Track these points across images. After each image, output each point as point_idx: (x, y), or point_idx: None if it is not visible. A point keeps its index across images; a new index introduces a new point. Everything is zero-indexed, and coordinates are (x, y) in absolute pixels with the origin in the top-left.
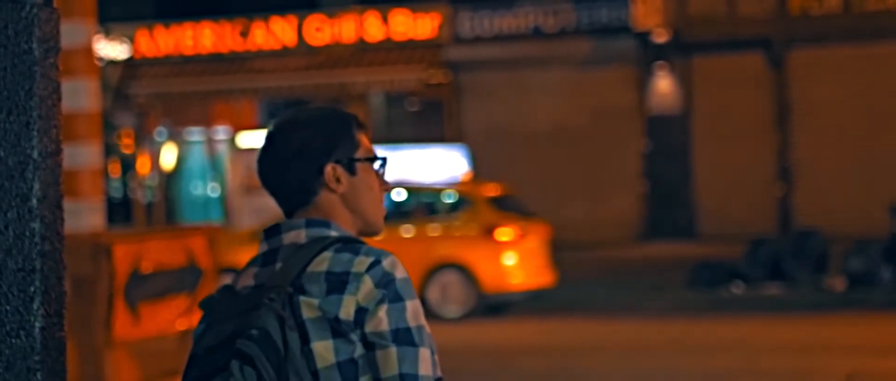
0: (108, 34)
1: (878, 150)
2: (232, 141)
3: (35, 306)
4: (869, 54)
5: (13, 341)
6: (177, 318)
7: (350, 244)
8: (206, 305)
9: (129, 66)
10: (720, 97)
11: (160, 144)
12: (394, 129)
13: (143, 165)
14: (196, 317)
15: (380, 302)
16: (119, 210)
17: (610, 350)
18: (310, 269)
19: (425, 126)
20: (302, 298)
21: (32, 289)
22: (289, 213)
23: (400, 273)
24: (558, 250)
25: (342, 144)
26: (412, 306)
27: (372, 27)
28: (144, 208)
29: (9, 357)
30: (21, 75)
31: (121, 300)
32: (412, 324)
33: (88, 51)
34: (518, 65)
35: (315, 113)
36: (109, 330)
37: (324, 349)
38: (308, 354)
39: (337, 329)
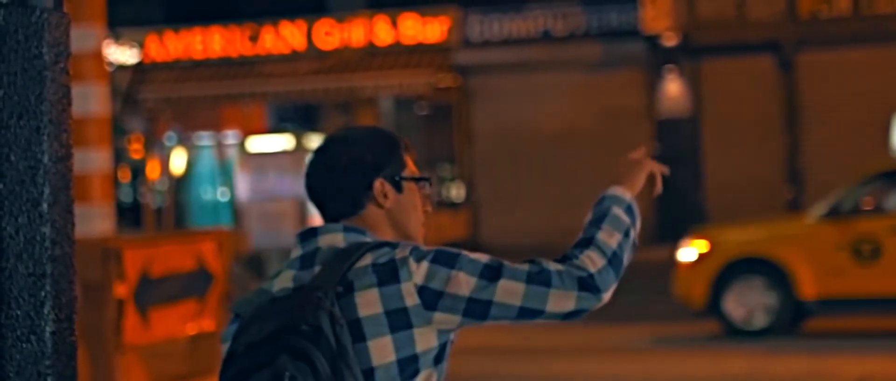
0: (117, 39)
1: (887, 152)
2: (241, 145)
3: (46, 311)
4: (878, 57)
5: (24, 345)
6: (187, 322)
7: (388, 243)
8: (240, 305)
9: (139, 70)
10: (729, 100)
11: (170, 149)
12: (402, 133)
13: (152, 170)
14: (206, 321)
15: (445, 274)
16: (129, 215)
17: (619, 353)
18: (356, 267)
19: (435, 130)
20: (356, 293)
21: (43, 293)
22: (331, 222)
23: (436, 247)
24: None
25: (391, 163)
26: (465, 253)
27: (381, 31)
28: (154, 213)
29: (20, 362)
30: (31, 80)
31: (131, 305)
32: (484, 260)
33: (98, 55)
34: (527, 68)
35: (367, 131)
36: (120, 335)
37: (381, 346)
38: (361, 351)
39: (397, 322)
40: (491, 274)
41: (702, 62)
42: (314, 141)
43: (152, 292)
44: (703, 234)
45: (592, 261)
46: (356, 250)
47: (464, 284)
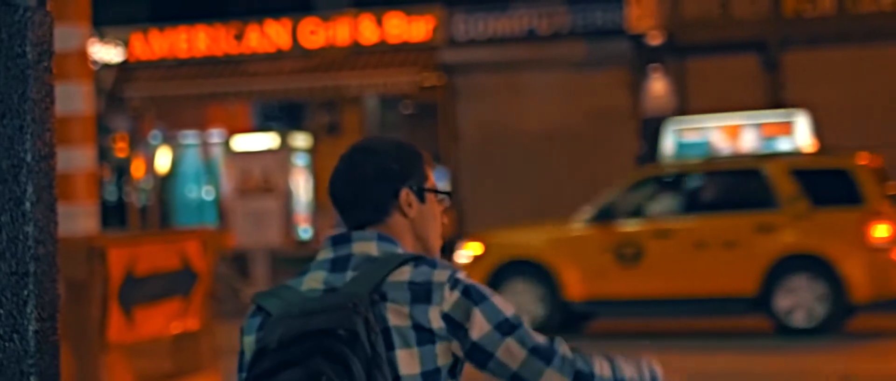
0: (102, 37)
1: (873, 152)
2: (227, 144)
3: (29, 310)
4: (863, 56)
5: (7, 344)
6: (171, 321)
7: (426, 260)
8: (263, 298)
9: (124, 69)
10: (714, 99)
11: (155, 148)
12: (388, 131)
13: (137, 169)
14: (191, 320)
15: (469, 309)
16: (114, 214)
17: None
18: (390, 279)
19: (420, 129)
20: (388, 304)
21: (26, 293)
22: (355, 228)
23: (473, 281)
24: None
25: (415, 174)
26: (498, 300)
27: (366, 30)
28: (139, 212)
29: (2, 361)
30: (14, 79)
31: (115, 304)
32: (508, 314)
33: (82, 54)
34: (512, 67)
35: (392, 142)
36: (104, 333)
37: (408, 357)
38: (390, 359)
39: (423, 338)
40: (505, 328)
41: (687, 61)
42: (299, 140)
43: (137, 291)
44: (479, 236)
45: (602, 369)
46: (391, 261)
47: (477, 327)
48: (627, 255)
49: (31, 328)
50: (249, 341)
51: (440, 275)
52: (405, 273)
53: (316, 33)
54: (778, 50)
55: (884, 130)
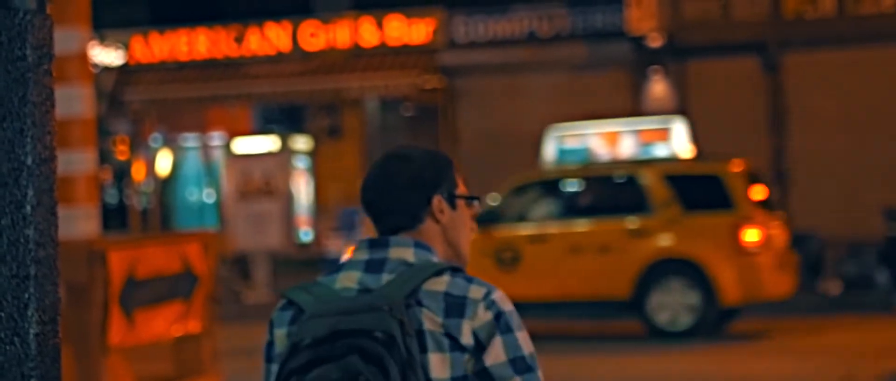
0: (102, 40)
1: (873, 154)
2: (227, 147)
3: (29, 313)
4: (864, 58)
5: (7, 348)
6: (172, 324)
7: (463, 273)
8: (295, 293)
9: (124, 72)
10: (715, 101)
11: (155, 151)
12: (388, 134)
13: (138, 172)
14: (192, 323)
15: (493, 334)
16: (114, 217)
17: (599, 352)
18: (426, 287)
19: (420, 131)
20: (423, 310)
21: (27, 296)
22: (389, 234)
23: (508, 306)
24: None
25: (446, 181)
26: (523, 336)
27: (367, 33)
28: (140, 215)
29: (3, 364)
30: (14, 82)
31: (116, 307)
32: (526, 352)
33: (83, 57)
34: (513, 70)
35: (424, 150)
36: (105, 336)
37: (440, 362)
38: (423, 363)
39: (454, 346)
40: (519, 366)
41: (687, 63)
42: (300, 142)
43: (138, 294)
44: None
45: None
46: (428, 268)
47: (493, 354)
48: (506, 259)
49: (31, 331)
50: (281, 334)
51: (476, 292)
52: (442, 283)
53: (316, 36)
54: (778, 51)
55: (885, 129)
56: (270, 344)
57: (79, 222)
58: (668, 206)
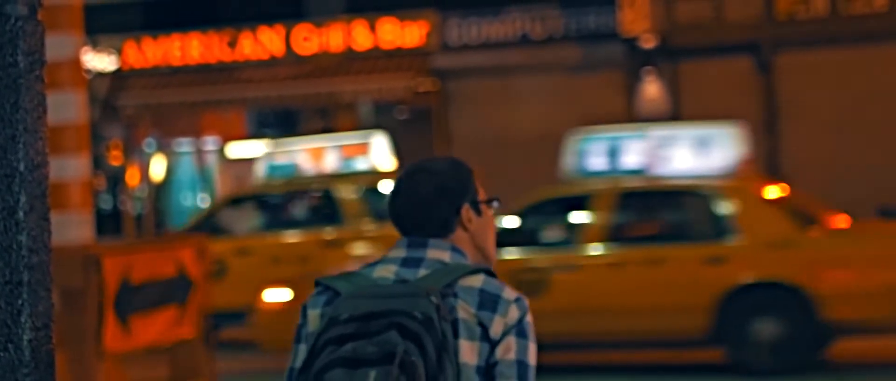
0: (95, 46)
1: (866, 153)
2: (221, 151)
3: (23, 319)
4: (857, 58)
5: (1, 354)
6: (167, 329)
7: (496, 277)
8: (330, 280)
9: (117, 77)
10: (708, 102)
11: (149, 156)
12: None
13: (132, 177)
14: (186, 328)
15: (510, 333)
16: (108, 222)
17: (596, 356)
18: (462, 282)
19: (414, 134)
20: (459, 301)
21: (20, 302)
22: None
23: (530, 317)
24: None
25: (470, 189)
26: (533, 347)
27: (360, 36)
28: (134, 220)
29: None
30: (6, 88)
31: (111, 312)
32: (531, 362)
33: (75, 63)
34: (506, 72)
35: (447, 161)
36: (100, 342)
37: (470, 348)
38: (455, 347)
39: (483, 336)
40: (522, 372)
41: (680, 64)
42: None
43: (132, 299)
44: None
45: None
46: (464, 267)
47: (502, 350)
48: (212, 271)
49: (25, 337)
50: (314, 314)
51: (509, 293)
52: (477, 281)
53: (309, 40)
54: (771, 52)
55: (879, 129)
56: (301, 327)
57: (73, 228)
58: (360, 217)
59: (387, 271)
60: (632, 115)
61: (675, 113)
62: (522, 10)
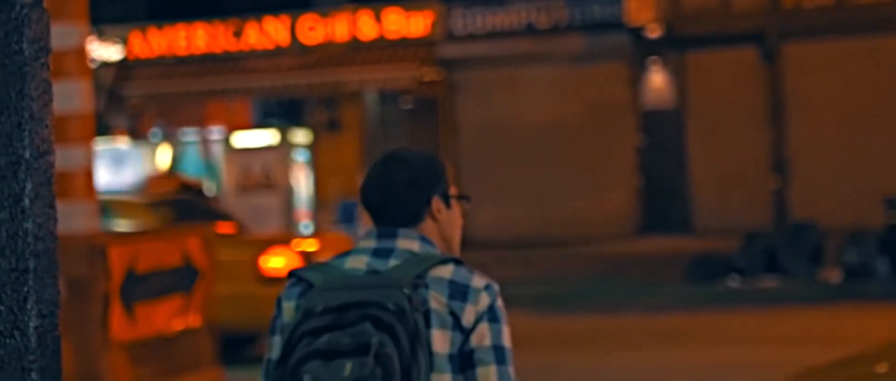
0: (101, 36)
1: (872, 142)
2: (227, 141)
3: (29, 307)
4: (862, 47)
5: (7, 341)
6: (173, 318)
7: (465, 265)
8: (304, 271)
9: (123, 67)
10: (714, 91)
11: (155, 145)
12: (388, 127)
13: None
14: (192, 317)
15: (483, 319)
16: None
17: (605, 345)
18: (433, 273)
19: (419, 124)
20: (430, 291)
21: (26, 289)
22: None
23: (501, 301)
24: (554, 246)
25: (442, 182)
26: (507, 330)
27: (365, 26)
28: None
29: (3, 358)
30: (12, 76)
31: (117, 301)
32: (507, 345)
33: (81, 52)
34: (511, 62)
35: (420, 153)
36: (106, 331)
37: (442, 338)
38: (427, 337)
39: (455, 325)
40: (499, 355)
41: (686, 54)
42: (299, 136)
43: (138, 288)
44: None
45: None
46: (434, 258)
47: (477, 337)
48: None
49: (31, 324)
50: (289, 306)
51: (478, 282)
52: (447, 271)
53: (314, 30)
54: (777, 41)
55: (885, 118)
56: (276, 318)
57: (79, 218)
58: None
59: (358, 262)
60: (637, 104)
61: (681, 102)
62: (527, 0)
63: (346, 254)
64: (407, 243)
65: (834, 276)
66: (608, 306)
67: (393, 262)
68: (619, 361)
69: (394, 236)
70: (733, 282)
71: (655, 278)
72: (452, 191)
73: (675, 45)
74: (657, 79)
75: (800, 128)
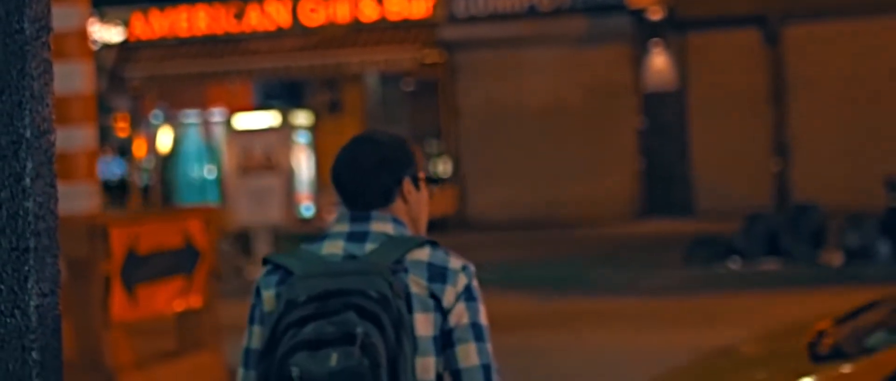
0: (102, 17)
1: (873, 124)
2: (228, 123)
3: (29, 286)
4: (864, 29)
5: (8, 320)
6: (174, 299)
7: (440, 246)
8: (279, 258)
9: (125, 49)
10: (716, 74)
11: (156, 127)
12: (389, 108)
13: (139, 149)
14: (193, 298)
15: (460, 299)
16: (116, 193)
17: (606, 326)
18: (410, 256)
19: (421, 106)
20: (409, 275)
21: (27, 268)
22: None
23: (476, 281)
24: (555, 228)
25: (412, 164)
26: (483, 308)
27: (367, 7)
28: (141, 191)
29: (4, 336)
30: (13, 55)
31: (118, 282)
32: (484, 322)
33: (82, 34)
34: (513, 44)
35: (391, 135)
36: (107, 312)
37: (424, 321)
38: (411, 323)
39: (437, 306)
40: (477, 332)
41: (688, 36)
42: (301, 118)
43: (139, 270)
44: None
45: None
46: (410, 241)
47: (456, 316)
48: None
49: (32, 303)
50: (269, 295)
51: (455, 263)
52: (424, 254)
53: (316, 11)
54: (778, 23)
55: (886, 100)
56: (255, 307)
57: (80, 199)
58: None
59: (334, 248)
60: (639, 86)
61: (682, 85)
62: None
63: (321, 238)
64: (380, 225)
65: (835, 258)
66: (609, 288)
67: (369, 246)
68: (620, 342)
69: (367, 219)
70: (734, 264)
71: (656, 260)
72: (421, 174)
73: (677, 27)
74: (659, 61)
75: (801, 110)
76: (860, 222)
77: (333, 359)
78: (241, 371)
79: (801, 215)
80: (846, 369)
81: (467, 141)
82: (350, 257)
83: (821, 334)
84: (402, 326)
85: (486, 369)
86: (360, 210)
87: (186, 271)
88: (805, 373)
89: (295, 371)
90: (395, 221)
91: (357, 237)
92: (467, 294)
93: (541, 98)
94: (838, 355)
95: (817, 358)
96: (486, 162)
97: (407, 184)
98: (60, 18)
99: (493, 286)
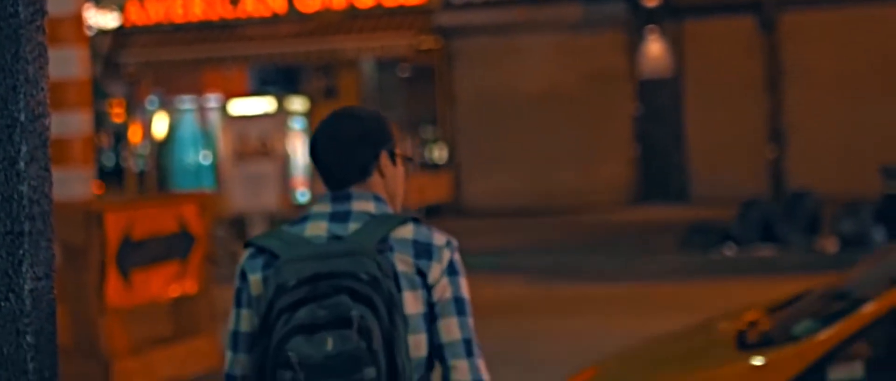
0: (98, 3)
1: (869, 111)
2: (223, 109)
3: (24, 269)
4: (860, 16)
5: (2, 303)
6: (169, 284)
7: (423, 223)
8: (262, 240)
9: (120, 34)
10: (711, 61)
11: (151, 113)
12: (385, 95)
13: (134, 134)
14: (188, 283)
15: (443, 274)
16: (111, 179)
17: (602, 313)
18: (395, 234)
19: (417, 92)
20: (395, 254)
21: (21, 252)
22: (339, 187)
23: (458, 255)
24: (551, 214)
25: (389, 139)
26: (465, 282)
27: None
28: (136, 177)
29: None
30: (7, 39)
31: (113, 267)
32: (466, 296)
33: (78, 19)
34: (509, 30)
35: (368, 111)
36: (102, 297)
37: (413, 299)
38: (400, 301)
39: (424, 283)
40: (460, 307)
41: (684, 22)
42: (296, 103)
43: (134, 255)
44: None
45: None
46: (393, 219)
47: (439, 291)
48: None
49: (26, 287)
50: (255, 279)
51: (439, 239)
52: (408, 231)
53: None
54: (775, 10)
55: (882, 87)
56: (241, 290)
57: (75, 184)
58: None
59: (318, 229)
60: (635, 73)
61: (678, 71)
62: None
63: (303, 220)
64: (362, 204)
65: (830, 245)
66: (604, 275)
67: (353, 225)
68: (616, 328)
69: (348, 198)
70: (729, 251)
71: (652, 246)
72: (398, 150)
73: (673, 13)
74: (655, 48)
75: (797, 97)
76: (855, 209)
77: (329, 343)
78: (228, 354)
79: (797, 201)
80: (771, 356)
81: (463, 127)
82: (335, 237)
83: (752, 323)
84: (394, 306)
85: (468, 343)
86: (337, 184)
87: (181, 257)
88: (729, 361)
89: (292, 357)
90: (376, 198)
91: (340, 217)
92: (451, 269)
93: (537, 84)
94: (766, 343)
95: (744, 346)
96: (482, 148)
97: (384, 158)
98: (56, 3)
99: (488, 272)
